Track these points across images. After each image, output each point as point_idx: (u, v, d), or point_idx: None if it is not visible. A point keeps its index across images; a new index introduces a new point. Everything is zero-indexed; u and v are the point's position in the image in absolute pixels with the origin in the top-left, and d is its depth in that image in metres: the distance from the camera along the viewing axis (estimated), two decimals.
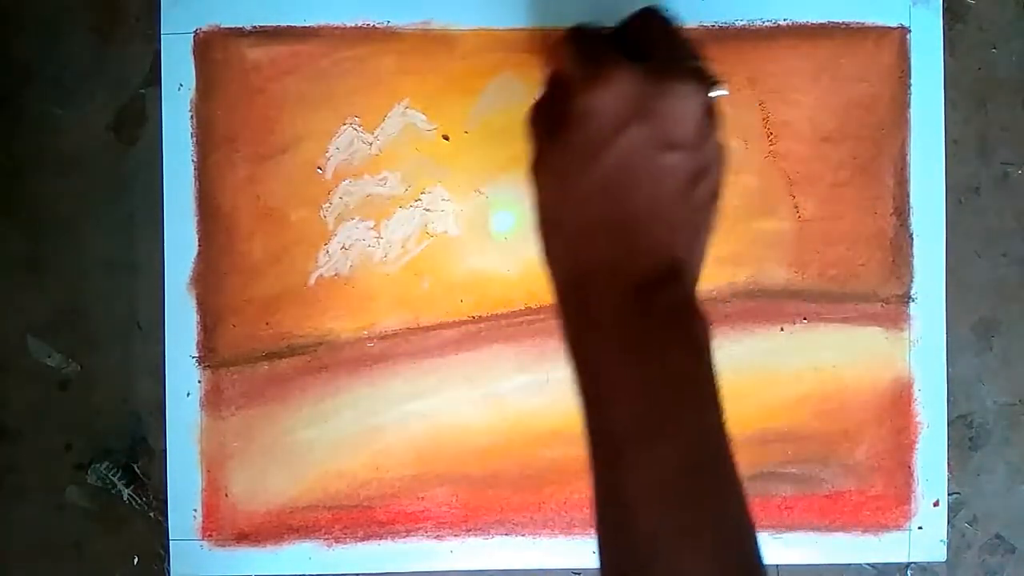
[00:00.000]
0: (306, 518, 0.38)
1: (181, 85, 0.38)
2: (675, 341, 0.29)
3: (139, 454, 0.39)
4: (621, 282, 0.29)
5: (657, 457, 0.27)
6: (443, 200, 0.38)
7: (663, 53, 0.30)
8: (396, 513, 0.38)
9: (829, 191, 0.39)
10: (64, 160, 0.38)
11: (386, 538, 0.38)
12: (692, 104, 0.29)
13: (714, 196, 0.31)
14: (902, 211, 0.39)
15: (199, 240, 0.38)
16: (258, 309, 0.38)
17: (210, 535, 0.38)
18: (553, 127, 0.30)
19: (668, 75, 0.29)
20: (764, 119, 0.38)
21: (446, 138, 0.38)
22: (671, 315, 0.29)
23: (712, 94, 0.30)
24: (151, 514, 0.39)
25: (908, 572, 0.39)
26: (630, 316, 0.28)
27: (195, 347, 0.38)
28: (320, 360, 0.38)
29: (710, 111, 0.30)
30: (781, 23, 0.38)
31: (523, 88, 0.38)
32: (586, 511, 0.38)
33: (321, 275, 0.38)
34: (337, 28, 0.38)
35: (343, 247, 0.38)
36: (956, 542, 0.39)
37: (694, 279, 0.30)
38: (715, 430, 0.29)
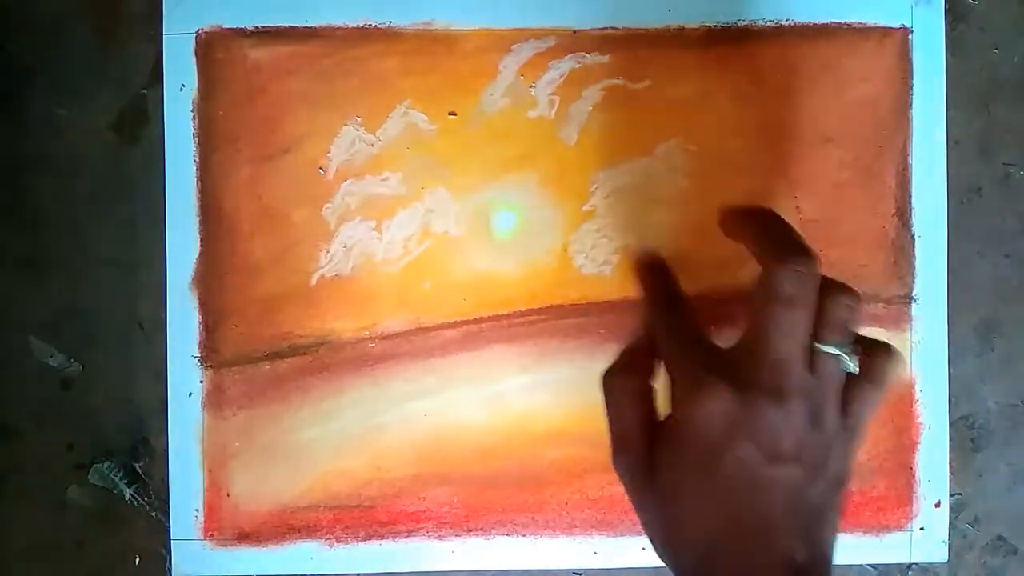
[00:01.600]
0: (307, 518, 0.38)
1: (183, 85, 0.38)
2: None
3: (141, 454, 0.39)
4: None
5: None
6: (445, 200, 0.38)
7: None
8: (397, 513, 0.38)
9: (831, 192, 0.39)
10: (66, 160, 0.38)
11: (387, 538, 0.38)
12: (794, 416, 0.29)
13: (839, 486, 0.30)
14: (904, 212, 0.39)
15: (201, 240, 0.38)
16: (260, 309, 0.38)
17: (212, 535, 0.38)
18: (644, 424, 0.31)
19: (764, 392, 0.29)
20: (765, 119, 0.38)
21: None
22: None
23: (847, 368, 0.30)
24: (153, 514, 0.39)
25: (909, 573, 0.39)
26: None
27: (197, 347, 0.38)
28: (322, 360, 0.38)
29: (847, 395, 0.30)
30: (783, 23, 0.38)
31: (524, 88, 0.38)
32: (586, 511, 0.38)
33: (323, 275, 0.38)
34: (339, 28, 0.38)
35: (345, 247, 0.38)
36: (958, 543, 0.39)
37: (826, 570, 0.30)
38: None
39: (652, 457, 0.31)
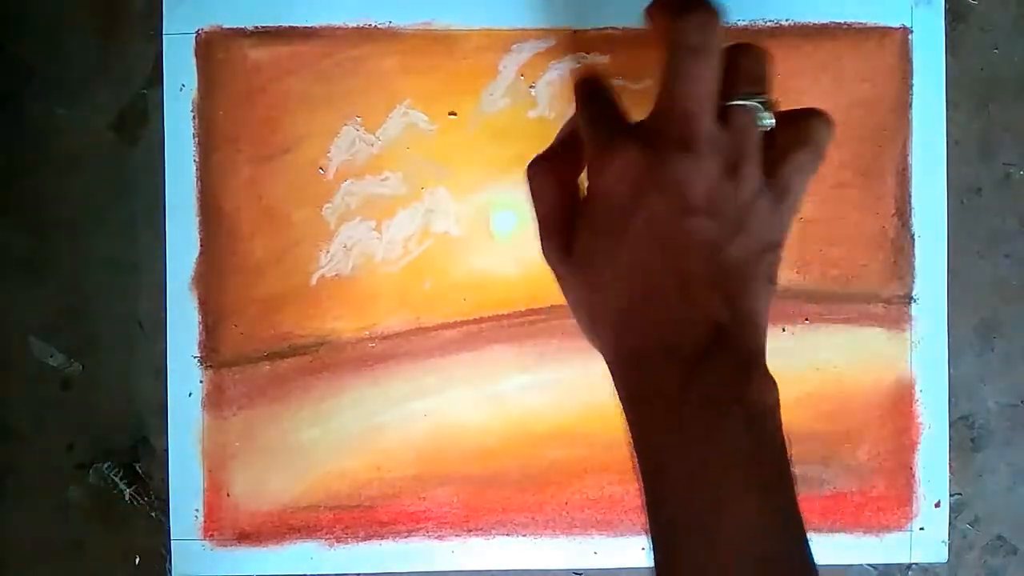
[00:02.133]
0: (307, 518, 0.38)
1: (183, 85, 0.38)
2: (725, 417, 0.27)
3: (141, 454, 0.39)
4: (663, 362, 0.27)
5: (715, 548, 0.26)
6: (445, 200, 0.38)
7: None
8: (397, 513, 0.38)
9: (831, 192, 0.38)
10: (66, 160, 0.38)
11: (387, 538, 0.38)
12: (704, 166, 0.28)
13: (767, 249, 0.29)
14: (904, 212, 0.39)
15: (201, 240, 0.38)
16: (260, 309, 0.38)
17: (211, 535, 0.38)
18: (566, 206, 0.30)
19: (672, 143, 0.28)
20: None
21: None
22: (719, 389, 0.27)
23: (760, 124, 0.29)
24: (152, 514, 0.39)
25: (909, 573, 0.39)
26: (675, 396, 0.27)
27: (197, 347, 0.38)
28: (322, 360, 0.38)
29: (772, 146, 0.29)
30: (783, 23, 0.38)
31: (524, 88, 0.38)
32: (586, 511, 0.38)
33: (323, 275, 0.38)
34: (339, 28, 0.38)
35: (345, 247, 0.38)
36: (957, 543, 0.39)
37: (751, 341, 0.28)
38: (784, 513, 0.27)
39: (573, 234, 0.30)
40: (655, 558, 0.27)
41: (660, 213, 0.28)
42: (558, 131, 0.32)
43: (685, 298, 0.28)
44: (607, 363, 0.30)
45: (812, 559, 0.26)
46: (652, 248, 0.28)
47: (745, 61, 0.29)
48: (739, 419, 0.27)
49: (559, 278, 0.31)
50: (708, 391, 0.27)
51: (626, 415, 0.29)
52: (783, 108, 0.30)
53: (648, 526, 0.28)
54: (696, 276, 0.28)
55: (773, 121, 0.29)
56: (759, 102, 0.29)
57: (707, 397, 0.27)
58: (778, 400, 0.28)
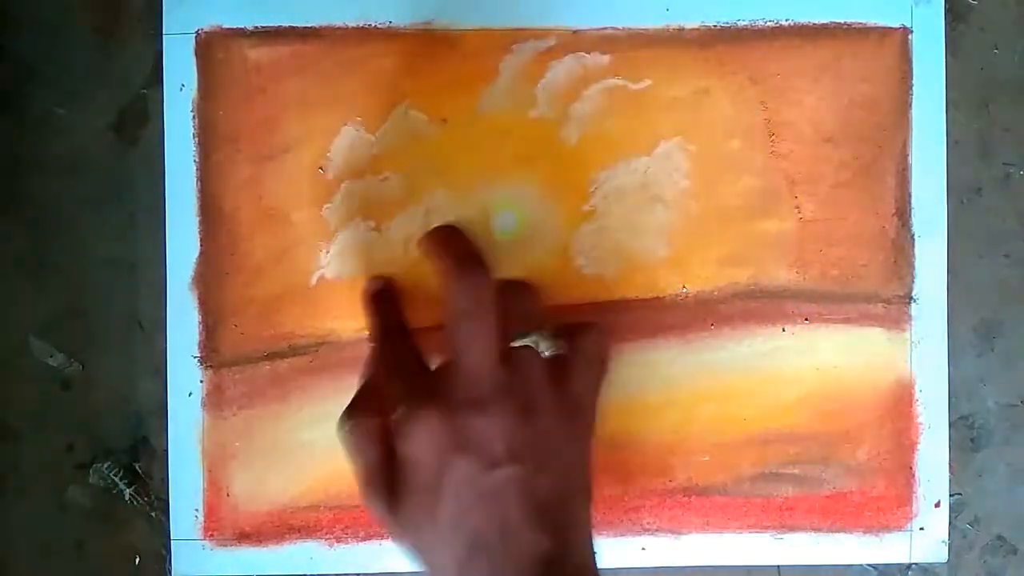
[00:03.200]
0: (307, 518, 0.38)
1: (183, 85, 0.38)
2: None
3: (140, 454, 0.39)
4: None
5: None
6: (445, 200, 0.38)
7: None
8: None
9: (830, 191, 0.39)
10: (65, 160, 0.38)
11: (387, 538, 0.38)
12: (498, 420, 0.30)
13: (572, 470, 0.31)
14: (903, 212, 0.39)
15: (201, 240, 0.38)
16: (260, 309, 0.38)
17: (211, 535, 0.38)
18: (384, 458, 0.31)
19: (464, 404, 0.30)
20: (765, 119, 0.38)
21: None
22: None
23: (545, 351, 0.32)
24: (152, 514, 0.39)
25: (909, 573, 0.39)
26: None
27: (197, 347, 0.38)
28: (322, 360, 0.38)
29: (553, 373, 0.32)
30: (783, 23, 0.38)
31: (524, 88, 0.38)
32: None
33: (323, 275, 0.38)
34: (339, 28, 0.38)
35: (345, 247, 0.38)
36: (957, 543, 0.39)
37: (579, 556, 0.31)
38: None
39: (394, 488, 0.31)
40: None
41: (467, 472, 0.30)
42: (360, 375, 0.35)
43: (509, 542, 0.29)
44: None
45: None
46: (468, 502, 0.30)
47: (515, 304, 0.32)
48: None
49: (387, 530, 0.33)
50: None
51: None
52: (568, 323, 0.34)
53: None
54: (514, 519, 0.29)
55: (555, 349, 0.32)
56: (534, 340, 0.32)
57: None
58: None
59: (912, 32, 0.38)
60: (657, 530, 0.38)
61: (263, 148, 0.38)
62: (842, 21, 0.38)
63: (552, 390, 0.32)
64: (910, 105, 0.38)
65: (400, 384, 0.32)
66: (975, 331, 0.39)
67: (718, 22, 0.38)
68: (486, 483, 0.29)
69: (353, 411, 0.33)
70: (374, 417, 0.32)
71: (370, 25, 0.38)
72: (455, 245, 0.33)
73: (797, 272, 0.39)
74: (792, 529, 0.38)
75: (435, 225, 0.36)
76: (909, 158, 0.38)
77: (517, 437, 0.30)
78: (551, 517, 0.30)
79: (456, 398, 0.30)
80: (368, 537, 0.38)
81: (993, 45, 0.39)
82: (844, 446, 0.38)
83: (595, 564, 0.31)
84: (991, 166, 0.39)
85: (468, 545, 0.29)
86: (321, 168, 0.38)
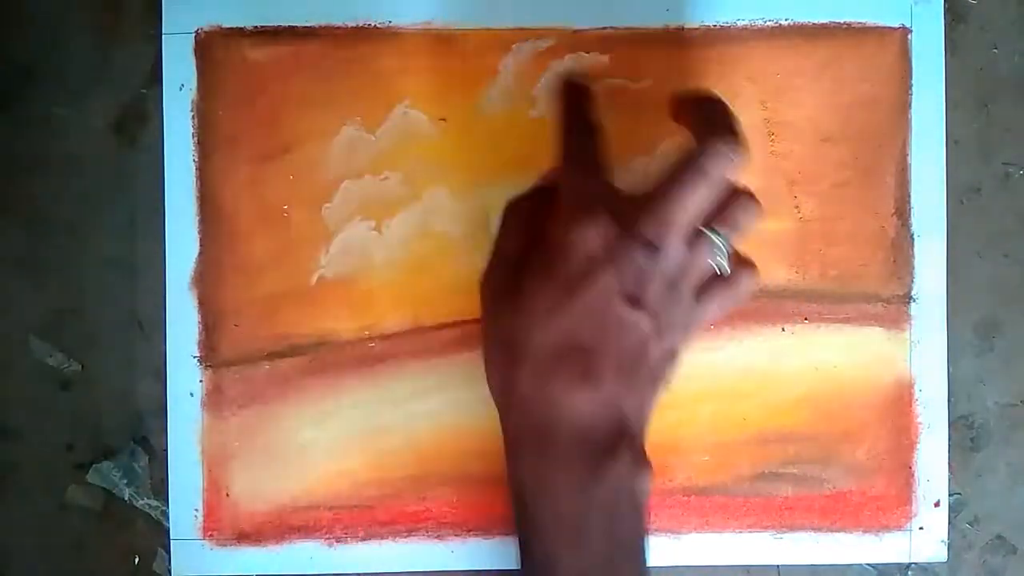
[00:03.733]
0: (307, 518, 0.38)
1: (182, 85, 0.38)
2: (623, 507, 0.30)
3: (140, 454, 0.39)
4: (573, 459, 0.30)
5: None
6: (445, 200, 0.38)
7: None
8: (397, 513, 0.38)
9: (830, 191, 0.39)
10: (65, 160, 0.38)
11: (387, 538, 0.38)
12: (661, 269, 0.30)
13: (670, 358, 0.31)
14: (903, 211, 0.39)
15: (200, 240, 0.38)
16: (260, 309, 0.38)
17: (211, 535, 0.38)
18: (525, 249, 0.31)
19: (644, 238, 0.29)
20: (765, 119, 0.38)
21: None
22: (620, 482, 0.30)
23: (713, 260, 0.31)
24: (152, 514, 0.39)
25: (909, 573, 0.39)
26: (577, 499, 0.29)
27: (197, 347, 0.38)
28: (321, 360, 0.38)
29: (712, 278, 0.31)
30: (783, 23, 0.38)
31: (524, 88, 0.38)
32: None
33: (323, 275, 0.38)
34: (338, 28, 0.38)
35: (345, 247, 0.38)
36: (957, 543, 0.39)
37: (642, 437, 0.31)
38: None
39: (520, 274, 0.31)
40: None
41: (610, 289, 0.29)
42: (541, 175, 0.34)
43: (608, 379, 0.29)
44: (509, 421, 0.31)
45: None
46: (591, 317, 0.29)
47: (738, 210, 0.31)
48: (633, 514, 0.30)
49: (490, 312, 0.32)
50: (615, 486, 0.29)
51: (516, 500, 0.31)
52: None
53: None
54: (614, 359, 0.30)
55: (727, 270, 0.31)
56: (725, 247, 0.31)
57: (612, 497, 0.30)
58: (650, 486, 0.31)
59: (912, 32, 0.38)
60: (657, 530, 0.38)
61: (263, 148, 0.38)
62: (842, 21, 0.38)
63: (693, 291, 0.31)
64: (910, 105, 0.38)
65: (585, 176, 0.31)
66: (974, 331, 0.39)
67: (718, 22, 0.38)
68: (617, 312, 0.29)
69: (522, 198, 0.33)
70: (537, 212, 0.32)
71: (370, 25, 0.38)
72: (724, 114, 0.32)
73: (797, 272, 0.39)
74: (792, 529, 0.38)
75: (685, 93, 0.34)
76: (909, 158, 0.39)
77: (662, 296, 0.30)
78: (641, 385, 0.30)
79: (639, 228, 0.29)
80: (368, 537, 0.38)
81: (993, 45, 0.39)
82: (844, 446, 0.38)
83: (645, 444, 0.31)
84: (991, 166, 0.39)
85: (566, 343, 0.29)
86: (321, 168, 0.38)
